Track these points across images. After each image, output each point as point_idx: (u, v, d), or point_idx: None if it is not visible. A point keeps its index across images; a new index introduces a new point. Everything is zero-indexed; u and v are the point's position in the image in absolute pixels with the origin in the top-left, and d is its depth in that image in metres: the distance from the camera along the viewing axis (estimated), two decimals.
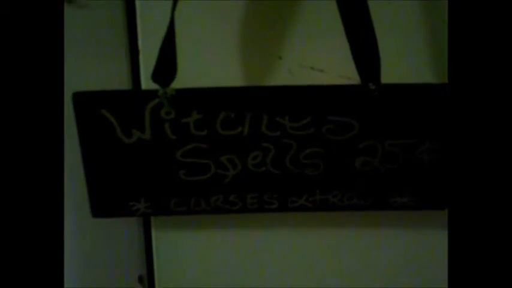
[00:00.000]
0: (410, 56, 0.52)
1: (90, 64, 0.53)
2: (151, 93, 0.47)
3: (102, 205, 0.52)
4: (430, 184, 0.51)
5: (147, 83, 0.52)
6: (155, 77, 0.47)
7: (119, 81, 0.54)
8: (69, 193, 0.56)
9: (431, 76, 0.52)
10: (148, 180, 0.51)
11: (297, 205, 0.52)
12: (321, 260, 0.60)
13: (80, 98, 0.48)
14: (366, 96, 0.47)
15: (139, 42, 0.52)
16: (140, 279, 0.61)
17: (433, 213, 0.54)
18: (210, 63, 0.52)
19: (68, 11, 0.51)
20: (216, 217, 0.55)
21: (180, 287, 0.60)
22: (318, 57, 0.52)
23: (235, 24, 0.51)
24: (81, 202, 0.53)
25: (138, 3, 0.51)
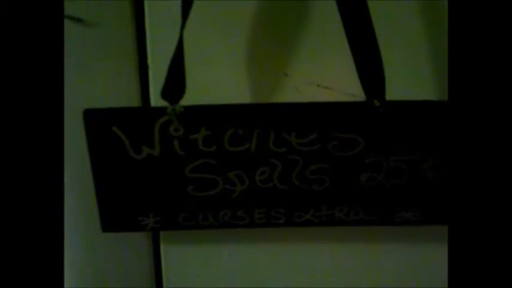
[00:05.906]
0: (414, 72, 0.53)
1: (100, 81, 0.54)
2: (161, 110, 0.48)
3: (112, 220, 0.53)
4: (434, 200, 0.51)
5: (156, 99, 0.53)
6: (164, 94, 0.48)
7: (129, 97, 0.55)
8: (79, 208, 0.57)
9: (435, 92, 0.53)
10: (157, 195, 0.51)
11: (303, 220, 0.53)
12: (329, 274, 0.60)
13: (91, 115, 0.48)
14: (371, 113, 0.48)
15: (149, 58, 0.53)
16: None
17: (435, 228, 0.54)
18: (218, 80, 0.53)
19: (78, 30, 0.52)
20: (224, 232, 0.56)
21: None
22: (324, 75, 0.53)
23: (242, 41, 0.52)
24: (91, 217, 0.54)
25: (147, 20, 0.52)
